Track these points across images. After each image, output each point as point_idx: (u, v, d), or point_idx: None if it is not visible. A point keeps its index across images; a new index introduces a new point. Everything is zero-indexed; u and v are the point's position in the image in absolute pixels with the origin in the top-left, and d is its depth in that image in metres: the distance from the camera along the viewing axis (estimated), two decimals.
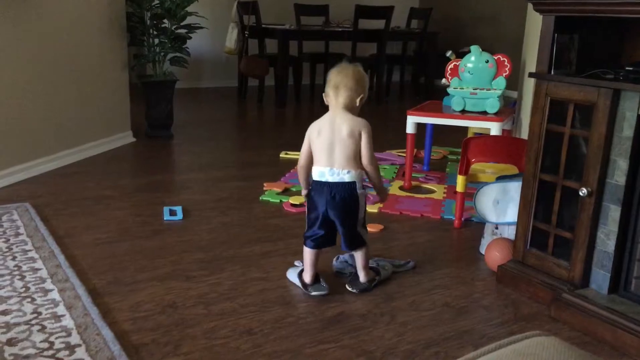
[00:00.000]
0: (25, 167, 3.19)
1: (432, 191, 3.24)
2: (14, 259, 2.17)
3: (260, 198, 3.02)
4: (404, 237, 2.60)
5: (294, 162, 3.73)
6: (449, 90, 3.20)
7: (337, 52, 6.63)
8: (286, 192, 3.14)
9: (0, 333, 1.68)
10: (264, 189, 3.17)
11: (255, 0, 5.82)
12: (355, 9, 6.00)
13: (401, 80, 7.23)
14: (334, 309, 1.93)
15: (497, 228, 2.39)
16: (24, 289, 1.95)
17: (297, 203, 2.91)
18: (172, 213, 2.73)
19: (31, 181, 3.15)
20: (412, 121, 3.17)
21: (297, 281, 2.08)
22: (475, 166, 2.74)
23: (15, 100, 3.12)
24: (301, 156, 2.10)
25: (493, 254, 2.24)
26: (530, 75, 2.04)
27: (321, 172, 2.01)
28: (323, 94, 2.10)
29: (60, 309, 1.82)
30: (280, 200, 2.97)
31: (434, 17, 7.10)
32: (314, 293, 2.01)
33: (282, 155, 3.92)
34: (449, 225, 2.74)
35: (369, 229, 2.64)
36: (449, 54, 3.38)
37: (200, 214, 2.78)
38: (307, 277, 2.05)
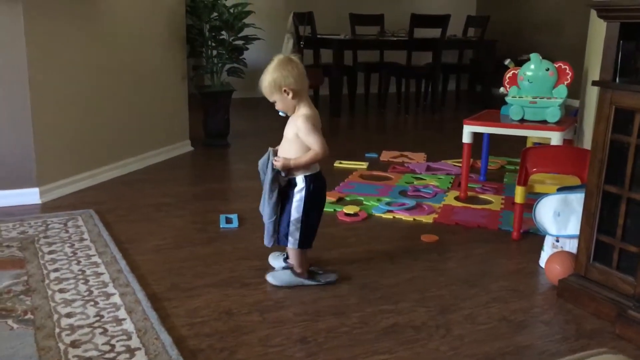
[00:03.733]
0: (90, 175, 3.32)
1: (489, 202, 3.17)
2: (78, 263, 2.26)
3: None
4: (459, 248, 2.55)
5: (348, 172, 3.73)
6: (507, 99, 3.13)
7: (391, 61, 6.61)
8: (340, 201, 3.14)
9: (65, 335, 1.74)
10: None
11: (310, 12, 5.88)
12: (410, 17, 5.97)
13: (457, 89, 7.14)
14: (388, 319, 1.92)
15: (557, 241, 2.32)
16: (87, 292, 2.02)
17: (352, 212, 2.90)
18: (228, 221, 2.78)
19: (95, 188, 3.27)
20: (468, 130, 3.12)
21: (296, 281, 2.12)
22: (535, 177, 2.67)
23: (82, 110, 3.25)
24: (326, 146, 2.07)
25: (554, 268, 2.17)
26: (594, 83, 1.98)
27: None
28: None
29: (122, 313, 1.88)
30: (334, 210, 2.98)
31: (492, 25, 6.98)
32: (329, 279, 2.15)
33: (336, 164, 3.93)
34: (506, 237, 2.68)
35: (423, 239, 2.62)
36: (507, 62, 3.31)
37: (255, 222, 2.81)
38: (305, 272, 2.15)
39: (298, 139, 2.05)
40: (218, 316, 1.91)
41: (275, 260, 2.30)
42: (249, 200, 3.17)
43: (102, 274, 2.17)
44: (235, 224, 2.76)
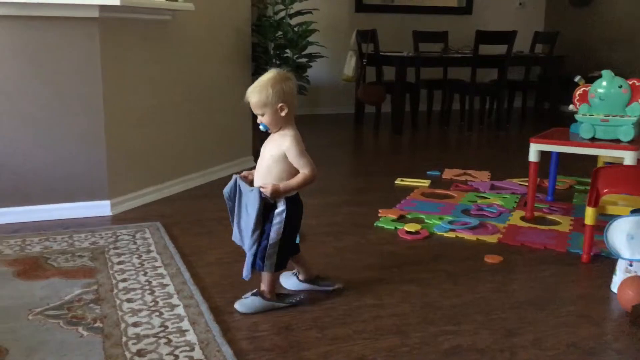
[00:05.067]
0: (157, 189, 3.43)
1: (557, 223, 3.06)
2: (145, 274, 2.33)
3: (375, 224, 3.02)
4: (525, 270, 2.47)
5: (409, 189, 3.70)
6: (577, 117, 3.03)
7: (455, 78, 6.54)
8: (401, 219, 3.11)
9: (131, 343, 1.80)
10: (379, 215, 3.16)
11: (374, 29, 5.90)
12: (476, 34, 5.89)
13: (523, 106, 6.97)
14: (450, 341, 1.87)
15: (631, 265, 2.21)
16: (153, 303, 2.08)
17: (413, 230, 2.87)
18: None
19: (162, 202, 3.37)
20: (535, 149, 3.03)
21: (267, 305, 2.05)
22: (607, 198, 2.56)
23: (151, 127, 3.37)
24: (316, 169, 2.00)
25: (627, 293, 2.07)
26: None
27: None
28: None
29: (185, 324, 1.92)
30: (395, 227, 2.95)
31: (561, 41, 6.79)
32: (298, 298, 2.10)
33: (398, 181, 3.90)
34: (575, 259, 2.58)
35: (487, 259, 2.55)
36: (577, 79, 3.21)
37: (314, 238, 2.82)
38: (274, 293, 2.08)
39: (282, 160, 1.96)
40: (277, 331, 1.92)
41: (288, 280, 2.23)
42: (309, 217, 3.16)
43: (167, 285, 2.23)
44: (296, 239, 2.77)
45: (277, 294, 2.11)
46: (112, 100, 3.07)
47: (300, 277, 2.22)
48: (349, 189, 3.93)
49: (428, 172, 4.17)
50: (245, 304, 2.05)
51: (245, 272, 2.01)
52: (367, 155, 5.19)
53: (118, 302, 2.07)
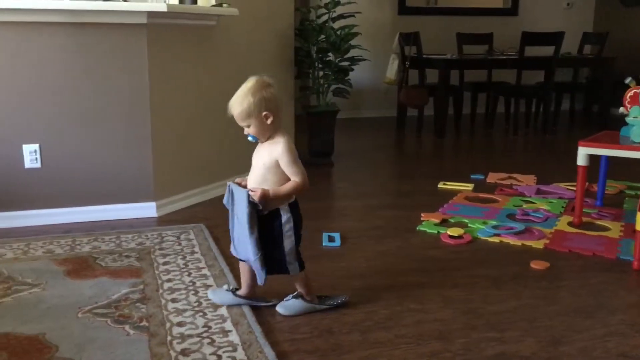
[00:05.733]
0: (201, 191, 3.49)
1: (606, 228, 2.97)
2: (189, 274, 2.37)
3: (418, 228, 2.99)
4: (573, 276, 2.41)
5: (452, 193, 3.65)
6: (628, 119, 2.94)
7: (500, 80, 6.43)
8: (444, 223, 3.07)
9: (176, 343, 1.83)
10: (422, 219, 3.13)
11: (417, 32, 5.86)
12: (522, 36, 5.79)
13: (571, 109, 6.79)
14: (494, 348, 1.84)
15: None
16: (197, 303, 2.11)
17: (456, 235, 2.83)
18: (331, 239, 2.81)
19: (205, 204, 3.43)
20: (584, 152, 2.95)
21: (309, 307, 2.04)
22: None
23: (196, 131, 3.43)
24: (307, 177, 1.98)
25: None
26: None
27: None
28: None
29: (228, 325, 1.95)
30: (438, 232, 2.92)
31: (610, 41, 6.60)
32: (340, 300, 2.08)
33: (441, 185, 3.85)
34: (626, 266, 2.50)
35: (533, 265, 2.50)
36: (628, 80, 3.11)
37: (357, 241, 2.82)
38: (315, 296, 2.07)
39: (276, 168, 1.92)
40: (319, 334, 1.92)
41: (219, 295, 2.11)
42: (351, 219, 3.19)
43: (210, 286, 2.26)
44: (337, 242, 2.78)
45: (318, 296, 2.11)
46: (159, 105, 3.14)
47: (242, 292, 2.09)
48: (391, 192, 3.91)
49: (471, 176, 4.11)
50: (287, 306, 2.05)
51: (258, 279, 1.96)
52: (409, 159, 5.15)
53: (163, 301, 2.12)
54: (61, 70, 2.93)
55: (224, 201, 2.01)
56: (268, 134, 1.94)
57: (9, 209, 2.95)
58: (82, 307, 2.07)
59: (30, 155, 2.94)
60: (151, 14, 2.96)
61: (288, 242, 1.96)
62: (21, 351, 1.77)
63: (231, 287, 2.11)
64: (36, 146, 2.95)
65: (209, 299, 2.12)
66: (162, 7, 2.95)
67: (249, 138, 1.97)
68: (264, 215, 1.93)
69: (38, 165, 2.96)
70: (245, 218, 1.89)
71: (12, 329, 1.91)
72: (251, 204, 1.89)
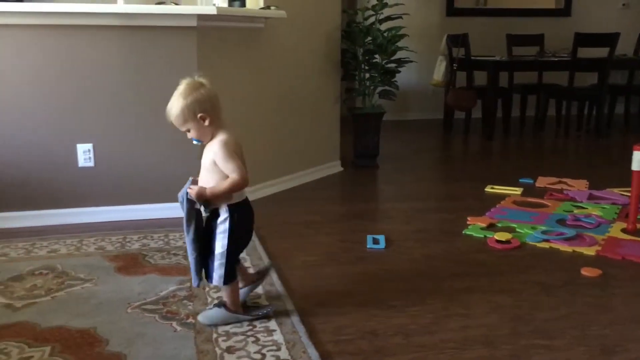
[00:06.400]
0: (247, 191, 3.51)
1: None
2: None
3: (464, 232, 2.95)
4: (626, 284, 2.33)
5: (500, 197, 3.59)
6: None
7: (551, 82, 6.28)
8: (491, 227, 3.02)
9: (221, 340, 1.86)
10: (468, 222, 3.08)
11: (465, 33, 5.78)
12: (574, 37, 5.63)
13: (626, 112, 6.57)
14: (542, 355, 1.80)
15: None
16: (242, 302, 2.13)
17: (503, 239, 2.78)
18: (375, 241, 2.80)
19: (252, 204, 3.45)
20: (639, 157, 2.85)
21: (231, 317, 1.95)
22: None
23: (242, 132, 3.47)
24: (246, 173, 1.89)
25: None
26: None
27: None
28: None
29: (272, 324, 1.96)
30: (485, 236, 2.87)
31: None
32: (264, 312, 2.00)
33: (488, 189, 3.79)
34: None
35: (584, 272, 2.43)
36: None
37: (402, 244, 2.80)
38: (239, 305, 1.99)
39: (217, 168, 1.85)
40: (363, 336, 1.91)
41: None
42: (396, 222, 3.17)
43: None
44: (382, 244, 2.76)
45: (245, 306, 2.04)
46: None
47: (240, 284, 2.06)
48: (437, 195, 3.86)
49: (520, 180, 4.02)
50: (208, 315, 1.97)
51: (193, 280, 1.92)
52: (456, 162, 5.08)
53: (209, 299, 2.15)
54: (115, 72, 3.02)
55: (179, 196, 1.90)
56: (210, 135, 1.89)
57: (64, 206, 3.05)
58: (132, 303, 2.12)
59: (84, 154, 3.04)
60: (201, 17, 3.01)
61: (219, 245, 1.88)
62: (73, 344, 1.83)
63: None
64: (90, 145, 3.04)
65: (255, 301, 2.14)
66: (211, 10, 3.00)
67: (194, 142, 1.92)
68: (209, 214, 1.90)
69: (91, 164, 3.06)
70: (184, 215, 1.87)
71: (65, 322, 1.98)
72: (189, 202, 1.86)
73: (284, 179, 3.82)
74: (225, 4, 3.45)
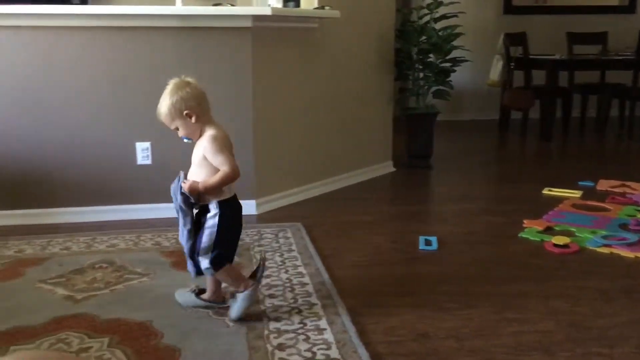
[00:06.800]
0: (299, 191, 3.55)
1: None
2: (286, 272, 2.42)
3: (519, 235, 2.88)
4: None
5: (558, 200, 3.48)
6: None
7: (614, 82, 6.05)
8: (548, 231, 2.93)
9: (273, 337, 1.88)
10: (524, 225, 3.01)
11: (523, 32, 5.64)
12: (639, 35, 5.41)
13: None
14: None
15: None
16: (293, 300, 2.15)
17: (561, 244, 2.69)
18: (427, 243, 2.76)
19: (303, 203, 3.49)
20: None
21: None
22: None
23: (296, 132, 3.51)
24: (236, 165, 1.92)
25: None
26: None
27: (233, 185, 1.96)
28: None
29: (323, 323, 1.97)
30: (542, 240, 2.79)
31: None
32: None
33: (545, 191, 3.68)
34: None
35: None
36: None
37: (455, 246, 2.76)
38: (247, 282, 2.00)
39: (206, 162, 1.89)
40: (414, 338, 1.90)
41: (183, 296, 2.11)
42: (449, 224, 3.12)
43: (306, 284, 2.29)
44: (434, 246, 2.73)
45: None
46: (261, 105, 3.23)
47: (205, 295, 2.08)
48: (492, 197, 3.79)
49: (580, 183, 3.89)
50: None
51: (189, 268, 1.99)
52: (511, 163, 4.96)
53: (261, 297, 2.17)
54: (172, 72, 3.06)
55: (171, 189, 1.95)
56: (198, 132, 1.93)
57: (122, 203, 3.15)
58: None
59: (143, 152, 3.13)
60: (256, 18, 3.05)
61: (206, 239, 1.91)
62: (131, 336, 1.89)
63: (195, 289, 2.10)
64: (148, 144, 3.13)
65: (306, 299, 2.16)
66: (266, 11, 3.03)
67: (184, 140, 1.97)
68: (199, 209, 1.95)
69: (149, 162, 3.14)
70: (178, 207, 1.92)
71: (123, 314, 2.04)
72: (183, 195, 1.89)
73: (335, 178, 3.83)
74: (279, 5, 3.48)
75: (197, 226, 1.95)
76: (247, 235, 2.86)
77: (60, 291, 2.23)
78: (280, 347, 1.82)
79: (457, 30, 4.24)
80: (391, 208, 3.54)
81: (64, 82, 3.01)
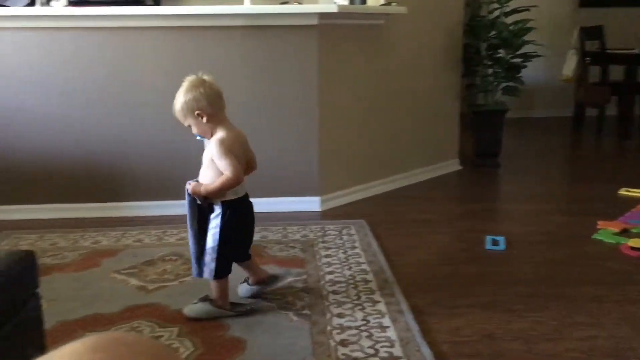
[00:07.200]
0: (363, 188, 3.54)
1: None
2: (349, 269, 2.42)
3: (593, 237, 2.76)
4: None
5: (635, 201, 3.32)
6: None
7: None
8: (625, 233, 2.80)
9: (335, 333, 1.89)
10: (598, 227, 2.88)
11: (600, 25, 5.41)
12: None
13: None
14: None
15: None
16: (356, 297, 2.15)
17: (638, 247, 2.57)
18: (495, 243, 2.70)
19: (367, 201, 3.48)
20: None
21: (215, 312, 1.99)
22: None
23: (361, 129, 3.50)
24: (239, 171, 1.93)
25: None
26: None
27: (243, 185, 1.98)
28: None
29: (386, 321, 1.96)
30: (617, 242, 2.67)
31: None
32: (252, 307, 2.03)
33: (622, 192, 3.51)
34: None
35: None
36: None
37: (523, 246, 2.68)
38: (227, 301, 2.01)
39: (214, 164, 1.91)
40: (480, 339, 1.86)
41: (241, 288, 2.16)
42: (518, 223, 3.04)
43: (369, 281, 2.29)
44: (501, 246, 2.66)
45: (232, 302, 2.04)
46: (326, 103, 3.25)
47: (251, 280, 2.14)
48: (564, 197, 3.65)
49: None
50: (193, 309, 2.01)
51: (192, 271, 2.01)
52: (585, 162, 4.76)
53: (324, 292, 2.19)
54: (238, 70, 3.16)
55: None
56: (210, 131, 1.94)
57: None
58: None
59: None
60: (322, 15, 3.07)
61: (210, 240, 1.93)
62: (199, 327, 1.94)
63: (246, 279, 2.16)
64: None
65: (369, 297, 2.15)
66: (332, 8, 3.04)
67: (197, 138, 2.00)
68: (204, 209, 1.97)
69: None
70: (186, 207, 1.97)
71: None
72: (189, 196, 1.94)
73: (400, 176, 3.80)
74: (346, 2, 3.48)
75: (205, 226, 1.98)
76: (310, 232, 2.88)
77: (133, 281, 2.32)
78: (343, 343, 1.82)
79: (528, 25, 4.11)
80: (457, 206, 3.48)
81: (137, 81, 3.13)
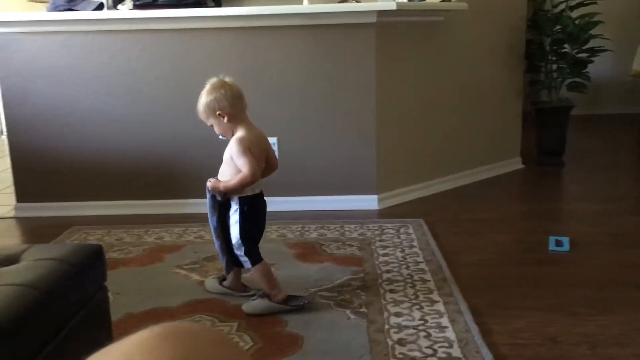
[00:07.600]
0: (422, 186, 3.51)
1: None
2: (407, 267, 2.41)
3: None
4: None
5: None
6: None
7: None
8: None
9: (393, 332, 1.88)
10: None
11: None
12: None
13: None
14: None
15: None
16: (414, 296, 2.14)
17: None
18: (558, 244, 2.62)
19: (426, 199, 3.44)
20: None
21: (274, 307, 2.02)
22: None
23: (419, 126, 3.46)
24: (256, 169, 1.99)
25: None
26: None
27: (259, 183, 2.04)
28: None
29: (444, 321, 1.94)
30: None
31: None
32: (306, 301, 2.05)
33: None
34: None
35: None
36: None
37: (589, 247, 2.59)
38: (283, 293, 2.05)
39: (233, 162, 1.98)
40: (542, 341, 1.81)
41: (210, 282, 2.25)
42: (583, 224, 2.94)
43: (427, 280, 2.27)
44: (565, 247, 2.58)
45: (289, 295, 2.07)
46: (384, 101, 3.23)
47: (227, 282, 2.20)
48: (633, 196, 3.50)
49: None
50: (251, 304, 2.06)
51: (223, 265, 2.11)
52: None
53: (382, 291, 2.18)
54: (298, 69, 3.19)
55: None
56: (231, 131, 2.03)
57: None
58: (309, 289, 2.23)
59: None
60: (380, 13, 3.05)
61: (233, 235, 2.02)
62: (257, 322, 1.98)
63: (219, 276, 2.24)
64: (274, 139, 3.24)
65: (427, 296, 2.13)
66: (391, 6, 3.02)
67: (220, 137, 2.09)
68: (223, 205, 2.04)
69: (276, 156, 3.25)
70: (207, 205, 2.06)
71: None
72: (209, 193, 2.03)
73: (459, 175, 3.73)
74: None
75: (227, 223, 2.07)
76: (368, 230, 2.88)
77: (195, 276, 2.39)
78: (401, 342, 1.81)
79: (595, 18, 3.96)
80: (519, 206, 3.39)
81: (198, 81, 3.18)
